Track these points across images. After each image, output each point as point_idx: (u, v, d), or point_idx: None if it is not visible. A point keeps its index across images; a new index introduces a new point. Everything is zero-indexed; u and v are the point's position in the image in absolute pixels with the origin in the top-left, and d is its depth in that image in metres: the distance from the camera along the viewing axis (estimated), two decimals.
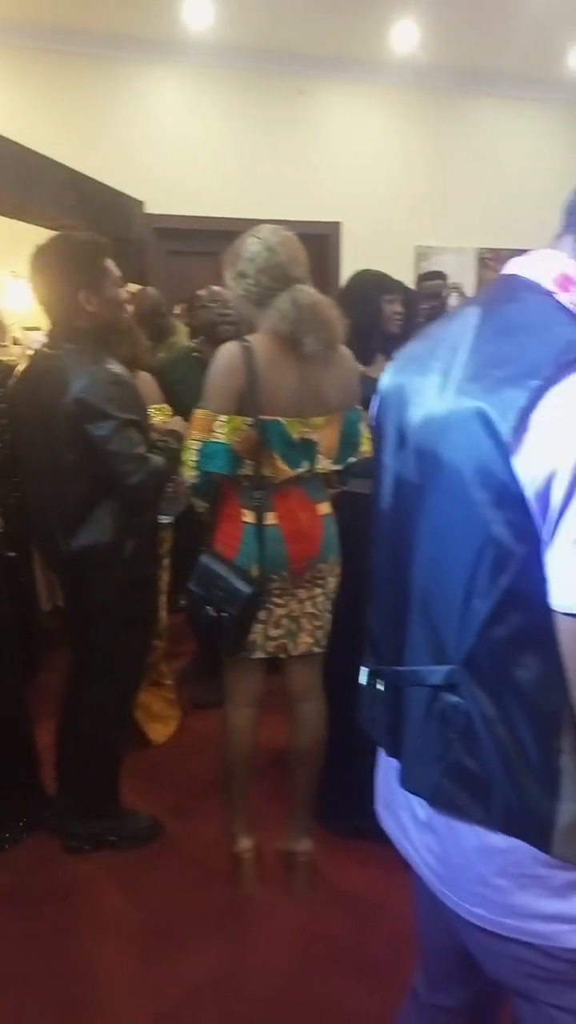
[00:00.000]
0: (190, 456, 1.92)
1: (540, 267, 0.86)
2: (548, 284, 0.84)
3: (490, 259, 6.91)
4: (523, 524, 0.75)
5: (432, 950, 1.16)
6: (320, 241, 5.96)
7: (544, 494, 0.73)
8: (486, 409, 0.77)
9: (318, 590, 2.06)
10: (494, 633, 0.79)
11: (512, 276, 0.89)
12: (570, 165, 6.59)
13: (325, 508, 2.07)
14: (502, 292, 0.88)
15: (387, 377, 1.01)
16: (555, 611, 0.74)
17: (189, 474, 1.94)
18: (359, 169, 6.10)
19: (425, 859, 0.95)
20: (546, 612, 0.74)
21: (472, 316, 0.88)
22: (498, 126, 6.47)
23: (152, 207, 5.52)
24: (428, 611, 0.88)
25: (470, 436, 0.79)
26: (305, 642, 2.07)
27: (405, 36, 5.33)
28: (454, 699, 0.83)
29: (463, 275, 6.52)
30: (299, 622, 2.05)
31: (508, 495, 0.75)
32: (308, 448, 1.96)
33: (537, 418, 0.73)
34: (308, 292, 1.91)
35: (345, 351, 2.02)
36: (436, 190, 6.36)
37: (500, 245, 6.66)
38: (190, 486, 2.00)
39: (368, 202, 6.16)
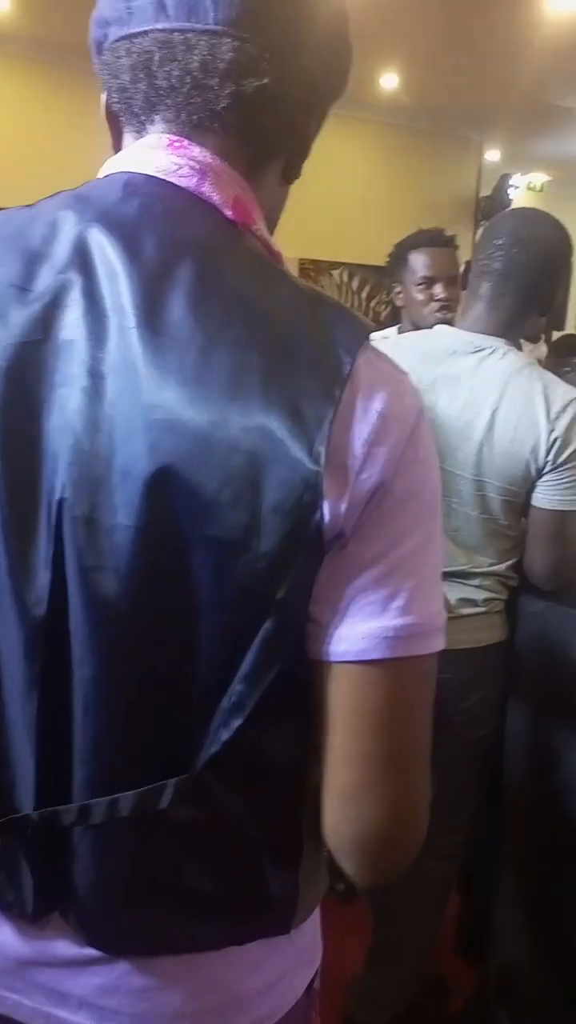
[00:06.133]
0: None
1: (210, 180, 0.61)
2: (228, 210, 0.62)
3: (310, 268, 7.12)
4: None
5: None
6: None
7: None
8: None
9: None
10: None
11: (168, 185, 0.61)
12: (382, 182, 6.95)
13: None
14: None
15: None
16: (327, 663, 0.58)
17: None
18: None
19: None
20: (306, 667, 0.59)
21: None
22: (317, 141, 6.68)
23: None
24: (133, 714, 0.60)
25: None
26: None
27: None
28: (188, 813, 0.61)
29: None
30: None
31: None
32: None
33: None
34: None
35: None
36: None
37: (320, 256, 6.90)
38: None
39: None
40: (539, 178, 8.64)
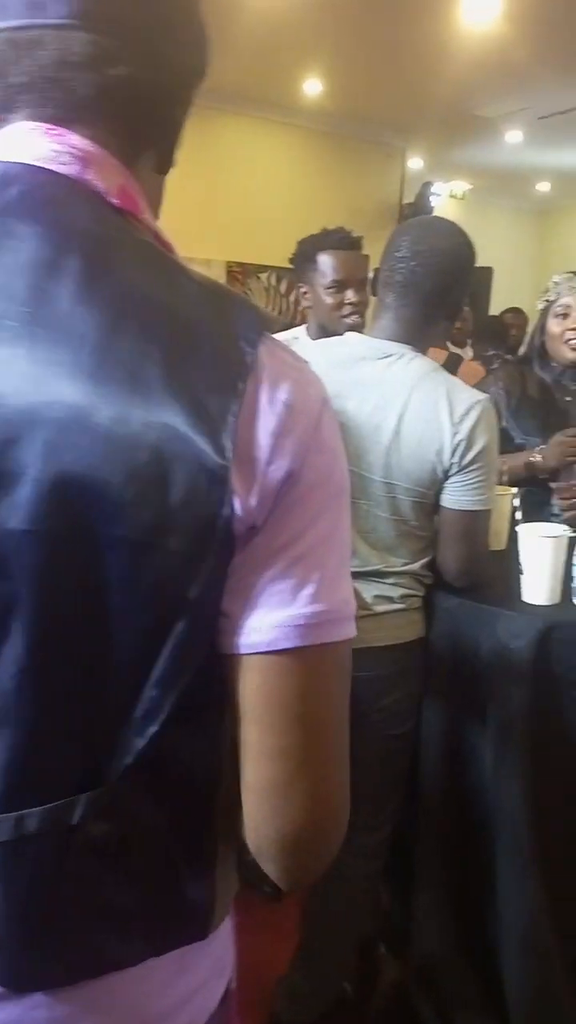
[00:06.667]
0: None
1: (93, 168, 0.59)
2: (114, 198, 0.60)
3: (238, 272, 7.12)
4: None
5: None
6: None
7: None
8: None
9: None
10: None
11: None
12: (308, 187, 7.00)
13: None
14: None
15: None
16: (239, 656, 0.57)
17: None
18: None
19: None
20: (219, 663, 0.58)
21: None
22: (242, 143, 6.70)
23: None
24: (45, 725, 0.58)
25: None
26: None
27: None
28: (103, 827, 0.58)
29: None
30: None
31: None
32: None
33: None
34: None
35: None
36: (183, 202, 6.42)
37: (247, 259, 6.91)
38: None
39: None
40: (461, 186, 8.85)
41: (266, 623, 0.56)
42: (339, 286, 1.91)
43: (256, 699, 0.57)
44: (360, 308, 1.91)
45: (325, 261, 1.92)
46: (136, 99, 0.61)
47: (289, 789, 0.58)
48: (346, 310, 1.92)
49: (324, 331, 1.94)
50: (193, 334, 0.55)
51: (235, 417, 0.53)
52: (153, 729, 0.56)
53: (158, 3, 0.61)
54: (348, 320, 1.91)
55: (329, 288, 1.92)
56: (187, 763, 0.61)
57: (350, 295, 1.90)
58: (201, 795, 0.62)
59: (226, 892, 0.68)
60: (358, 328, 1.77)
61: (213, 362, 0.54)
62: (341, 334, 1.83)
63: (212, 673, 0.58)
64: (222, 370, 0.54)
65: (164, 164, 0.68)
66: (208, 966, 0.69)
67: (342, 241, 1.95)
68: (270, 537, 0.55)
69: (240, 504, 0.53)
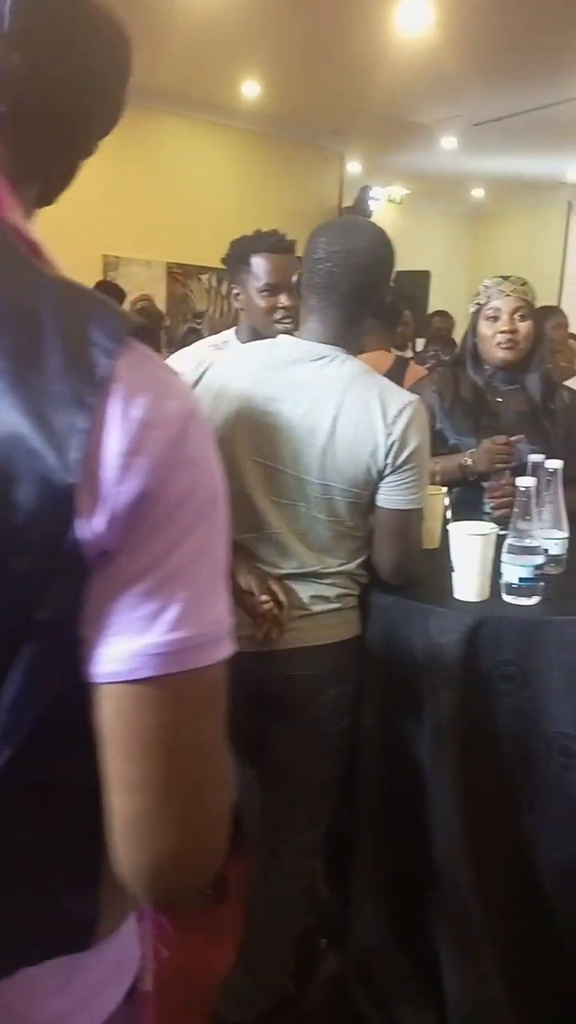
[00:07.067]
0: None
1: None
2: None
3: (178, 273, 7.08)
4: None
5: None
6: None
7: None
8: None
9: None
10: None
11: None
12: (249, 189, 7.00)
13: None
14: None
15: None
16: (99, 684, 0.55)
17: None
18: None
19: None
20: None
21: None
22: (181, 144, 6.67)
23: None
24: None
25: None
26: None
27: None
28: None
29: (153, 287, 6.63)
30: None
31: None
32: None
33: None
34: None
35: None
36: (123, 202, 6.37)
37: (187, 260, 6.88)
38: None
39: (52, 206, 6.01)
40: (399, 191, 8.97)
41: (124, 652, 0.53)
42: (272, 289, 1.89)
43: (118, 728, 0.55)
44: (293, 312, 1.88)
45: (258, 264, 1.90)
46: (38, 125, 0.60)
47: (154, 819, 0.56)
48: (279, 314, 1.89)
49: (255, 334, 1.93)
50: (42, 341, 0.52)
51: (83, 434, 0.50)
52: (8, 752, 0.54)
53: (76, 39, 0.61)
54: (280, 326, 1.89)
55: (262, 291, 1.90)
56: (62, 784, 0.58)
57: (283, 299, 1.88)
58: (80, 816, 0.59)
59: (117, 904, 0.65)
60: (291, 333, 1.78)
61: (63, 373, 0.51)
62: (273, 338, 1.84)
63: (82, 697, 0.55)
64: (72, 381, 0.51)
65: (47, 198, 0.67)
66: (104, 971, 0.68)
67: (276, 244, 1.92)
68: (129, 561, 0.53)
69: (88, 527, 0.51)
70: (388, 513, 1.45)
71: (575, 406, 2.07)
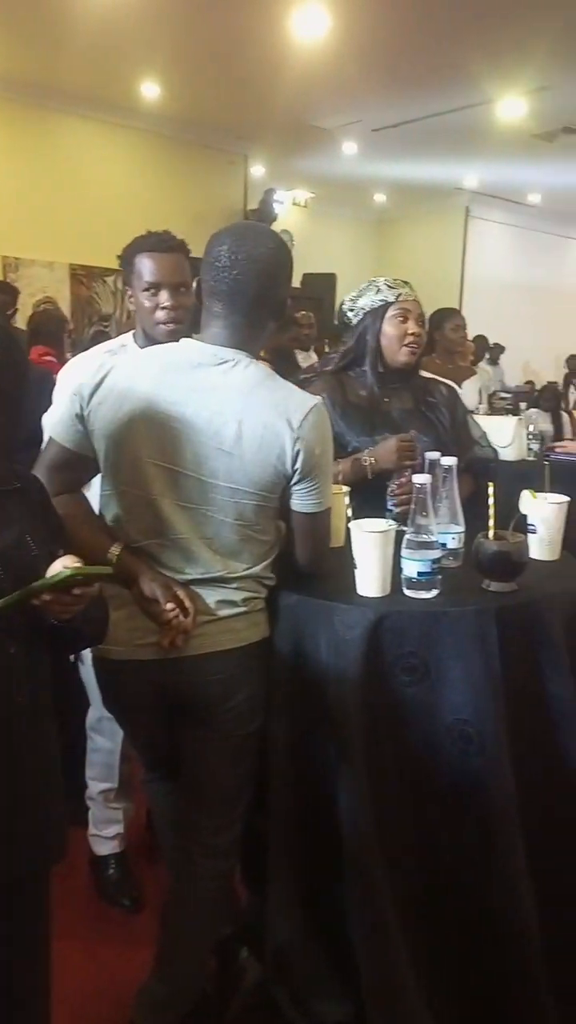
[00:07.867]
0: None
1: None
2: None
3: (82, 275, 6.95)
4: None
5: None
6: None
7: None
8: None
9: None
10: None
11: None
12: (153, 190, 6.94)
13: None
14: None
15: None
16: None
17: None
18: None
19: None
20: None
21: None
22: (81, 144, 6.55)
23: None
24: None
25: None
26: None
27: None
28: None
29: (56, 289, 6.48)
30: None
31: None
32: None
33: None
34: None
35: None
36: (23, 201, 6.21)
37: (92, 262, 6.76)
38: None
39: None
40: (303, 195, 9.07)
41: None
42: (154, 288, 1.85)
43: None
44: (177, 312, 1.85)
45: (141, 263, 1.85)
46: None
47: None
48: (162, 314, 1.85)
49: (147, 336, 1.91)
50: None
51: None
52: None
53: None
54: (163, 327, 1.85)
55: (145, 291, 1.86)
56: None
57: (164, 298, 1.84)
58: None
59: None
60: (180, 334, 1.77)
61: None
62: (160, 339, 1.81)
63: None
64: None
65: None
66: None
67: (159, 243, 1.88)
68: None
69: None
70: (298, 516, 1.51)
71: (453, 397, 2.18)
